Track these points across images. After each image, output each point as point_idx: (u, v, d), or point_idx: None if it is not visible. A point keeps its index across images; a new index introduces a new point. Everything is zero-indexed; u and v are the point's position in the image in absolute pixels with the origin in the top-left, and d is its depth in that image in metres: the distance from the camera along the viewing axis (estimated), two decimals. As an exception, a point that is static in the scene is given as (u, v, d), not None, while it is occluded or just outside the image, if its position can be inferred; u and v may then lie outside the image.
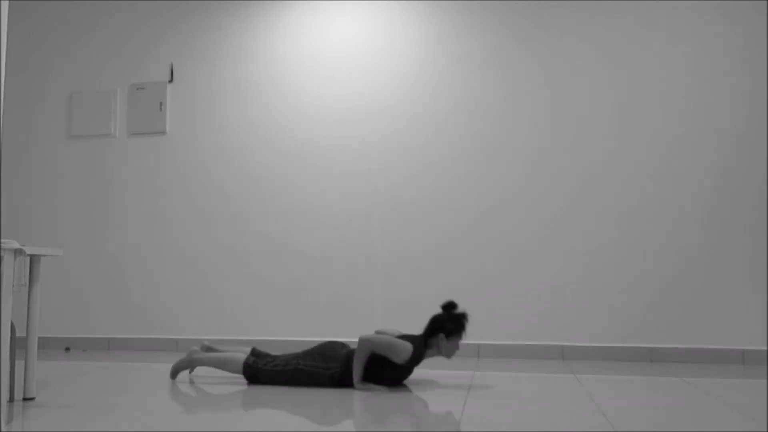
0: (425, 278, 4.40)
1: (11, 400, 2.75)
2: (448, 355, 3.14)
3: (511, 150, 4.39)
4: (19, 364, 3.60)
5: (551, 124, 4.36)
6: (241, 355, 3.26)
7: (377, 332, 3.24)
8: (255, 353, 3.24)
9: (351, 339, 4.40)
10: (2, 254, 2.37)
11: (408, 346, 3.00)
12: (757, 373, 3.59)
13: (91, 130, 4.91)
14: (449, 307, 3.17)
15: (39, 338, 4.82)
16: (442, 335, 3.10)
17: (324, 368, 3.10)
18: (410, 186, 4.49)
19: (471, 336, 4.32)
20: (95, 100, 4.93)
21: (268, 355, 3.23)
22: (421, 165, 4.49)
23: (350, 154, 4.58)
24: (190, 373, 3.50)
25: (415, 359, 3.07)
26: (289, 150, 4.65)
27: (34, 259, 2.83)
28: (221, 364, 3.26)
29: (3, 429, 2.25)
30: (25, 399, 2.78)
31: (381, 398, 2.81)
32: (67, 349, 4.72)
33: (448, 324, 3.11)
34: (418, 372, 3.58)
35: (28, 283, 2.80)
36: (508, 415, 2.46)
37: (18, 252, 2.47)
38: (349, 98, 4.62)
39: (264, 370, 3.16)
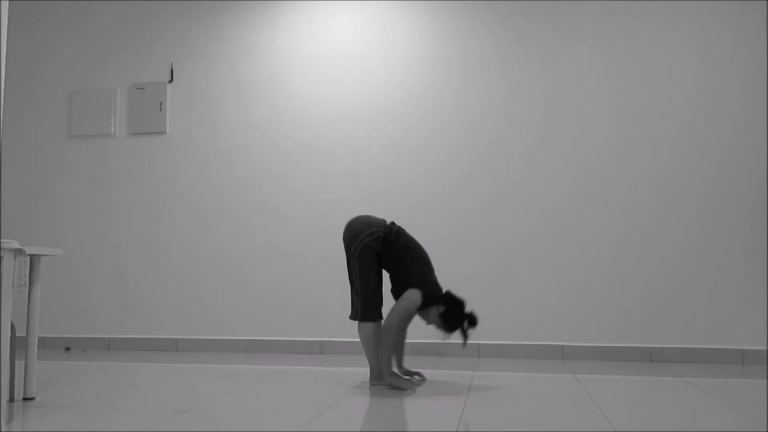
0: (425, 278, 4.40)
1: (11, 400, 2.76)
2: (428, 322, 3.15)
3: (511, 149, 4.39)
4: (19, 364, 3.59)
5: (551, 124, 4.36)
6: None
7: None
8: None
9: (351, 339, 4.40)
10: (2, 254, 2.37)
11: (416, 297, 3.01)
12: (757, 373, 3.59)
13: (91, 130, 4.92)
14: (459, 306, 3.13)
15: (39, 338, 4.81)
16: (441, 309, 3.09)
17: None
18: (410, 186, 4.49)
19: (471, 336, 4.30)
20: (95, 100, 4.93)
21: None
22: (421, 165, 4.49)
23: (350, 154, 4.58)
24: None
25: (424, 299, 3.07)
26: (289, 150, 4.65)
27: (34, 259, 2.84)
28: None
29: (3, 429, 2.25)
30: (25, 399, 2.78)
31: (380, 398, 2.81)
32: (67, 349, 4.72)
33: (451, 310, 3.10)
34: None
35: (28, 283, 2.80)
36: (508, 415, 2.46)
37: (18, 252, 2.47)
38: (349, 98, 4.62)
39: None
